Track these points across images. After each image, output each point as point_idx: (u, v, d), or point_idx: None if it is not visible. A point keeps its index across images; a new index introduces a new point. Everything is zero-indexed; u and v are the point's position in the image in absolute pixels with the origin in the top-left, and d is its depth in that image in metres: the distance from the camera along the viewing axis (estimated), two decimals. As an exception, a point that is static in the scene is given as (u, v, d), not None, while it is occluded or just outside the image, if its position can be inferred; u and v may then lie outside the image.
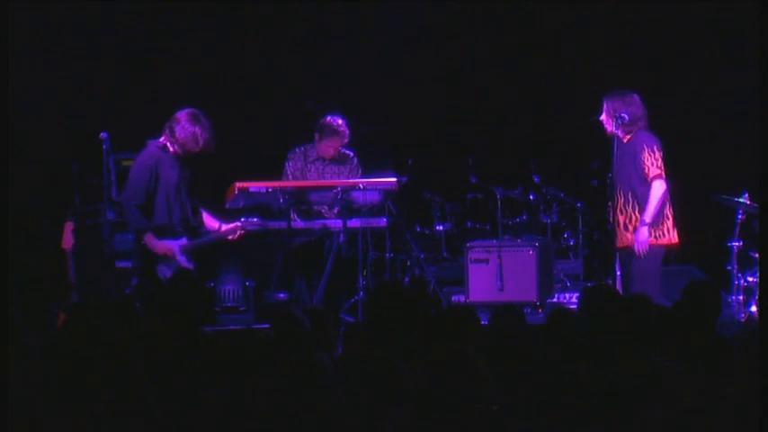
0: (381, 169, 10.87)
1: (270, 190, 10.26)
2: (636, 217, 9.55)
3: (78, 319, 6.65)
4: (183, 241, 9.75)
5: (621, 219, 9.58)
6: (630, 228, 9.54)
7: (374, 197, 10.50)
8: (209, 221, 10.04)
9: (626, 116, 9.55)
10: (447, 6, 13.01)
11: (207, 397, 5.65)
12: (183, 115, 9.75)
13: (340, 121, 10.84)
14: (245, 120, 12.86)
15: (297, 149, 11.00)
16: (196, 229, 9.91)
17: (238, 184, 10.18)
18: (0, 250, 8.79)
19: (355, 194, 10.42)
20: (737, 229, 10.91)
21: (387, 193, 10.53)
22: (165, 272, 9.68)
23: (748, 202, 10.74)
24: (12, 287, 8.63)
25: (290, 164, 10.93)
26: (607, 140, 9.62)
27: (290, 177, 10.85)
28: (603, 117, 9.66)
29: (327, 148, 10.86)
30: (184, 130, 9.69)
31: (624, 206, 9.58)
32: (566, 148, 12.50)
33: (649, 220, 9.47)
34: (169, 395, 5.74)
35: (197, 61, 12.64)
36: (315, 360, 5.56)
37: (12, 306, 7.55)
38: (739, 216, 10.88)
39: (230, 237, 10.03)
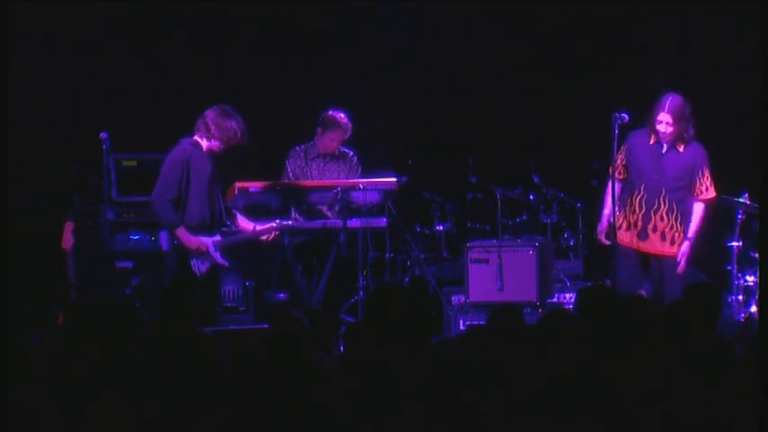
0: (381, 169, 10.87)
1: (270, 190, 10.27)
2: (677, 228, 9.59)
3: (78, 319, 6.66)
4: (217, 238, 9.75)
5: (661, 226, 9.60)
6: (669, 237, 9.58)
7: (374, 197, 10.50)
8: (244, 223, 10.03)
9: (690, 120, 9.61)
10: (447, 6, 13.00)
11: (207, 397, 5.65)
12: (215, 111, 9.77)
13: (342, 115, 10.86)
14: (245, 119, 12.83)
15: (297, 147, 11.00)
16: (228, 227, 9.91)
17: (238, 184, 10.18)
18: (0, 250, 8.79)
19: (355, 194, 10.42)
20: (737, 229, 10.91)
21: (387, 193, 10.53)
22: (200, 267, 9.70)
23: (748, 202, 10.74)
24: (12, 287, 8.62)
25: (291, 161, 10.93)
26: (608, 140, 9.59)
27: (291, 175, 10.85)
28: (673, 121, 9.57)
29: (330, 141, 10.85)
30: (221, 126, 9.71)
31: (668, 214, 9.59)
32: (566, 148, 12.49)
33: (693, 236, 9.61)
34: (169, 395, 5.74)
35: (197, 61, 12.64)
36: (313, 360, 5.56)
37: (12, 306, 7.56)
38: (739, 216, 10.88)
39: (264, 237, 10.02)
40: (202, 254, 9.67)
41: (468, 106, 13.01)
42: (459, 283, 11.67)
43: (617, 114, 9.58)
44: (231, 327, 11.00)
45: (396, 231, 11.67)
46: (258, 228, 9.99)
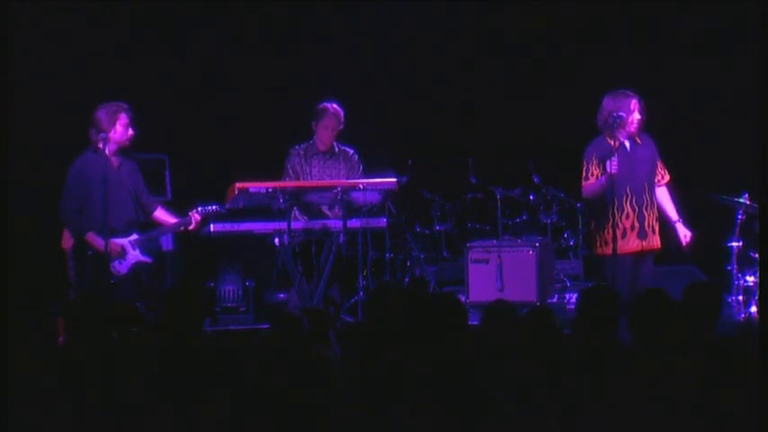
0: (381, 169, 10.87)
1: (270, 190, 10.24)
2: (656, 217, 9.65)
3: (79, 319, 6.66)
4: (134, 236, 9.75)
5: (651, 220, 9.65)
6: (656, 230, 9.66)
7: (374, 197, 10.49)
8: (166, 218, 10.02)
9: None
10: (448, 6, 13.00)
11: (207, 397, 5.66)
12: (103, 110, 9.76)
13: (332, 104, 10.85)
14: (245, 119, 12.85)
15: (297, 147, 10.98)
16: (145, 224, 9.88)
17: (238, 185, 10.17)
18: (0, 250, 8.79)
19: (355, 194, 10.41)
20: (737, 229, 10.91)
21: (387, 193, 10.52)
22: (119, 269, 9.69)
23: (748, 202, 10.74)
24: (12, 287, 8.62)
25: (291, 160, 10.90)
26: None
27: (291, 173, 10.83)
28: (642, 108, 9.65)
29: (324, 129, 10.82)
30: (117, 128, 9.72)
31: (650, 207, 9.65)
32: (566, 148, 12.49)
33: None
34: (168, 395, 5.74)
35: (197, 61, 12.64)
36: (314, 359, 5.55)
37: (12, 306, 7.55)
38: (739, 216, 10.88)
39: (189, 227, 10.01)
40: (119, 255, 9.68)
41: (469, 106, 13.01)
42: (460, 283, 11.67)
43: (615, 114, 9.59)
44: (231, 327, 11.02)
45: (396, 231, 11.66)
46: (176, 220, 9.97)
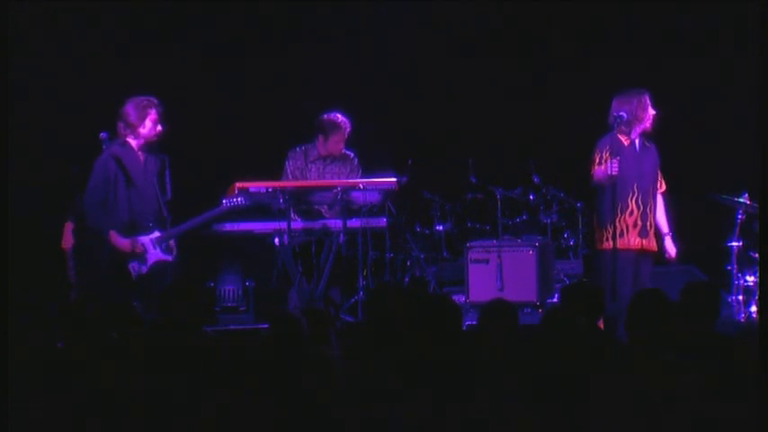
0: (381, 169, 10.87)
1: (270, 190, 10.25)
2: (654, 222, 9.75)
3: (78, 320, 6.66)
4: (156, 234, 9.66)
5: (652, 221, 9.73)
6: (654, 232, 9.73)
7: (374, 197, 10.50)
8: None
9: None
10: (447, 6, 13.00)
11: (207, 397, 5.66)
12: (131, 105, 9.67)
13: (338, 115, 10.84)
14: (245, 119, 12.85)
15: (297, 149, 10.98)
16: (167, 221, 9.79)
17: (238, 184, 10.18)
18: (0, 250, 8.79)
19: (355, 194, 10.41)
20: (737, 229, 10.91)
21: (387, 193, 10.52)
22: (138, 268, 9.61)
23: (748, 202, 10.75)
24: (12, 287, 8.62)
25: (291, 163, 10.91)
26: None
27: (290, 177, 10.83)
28: (654, 112, 9.71)
29: (336, 144, 10.82)
30: (146, 124, 9.64)
31: (655, 210, 9.74)
32: (566, 148, 12.50)
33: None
34: (169, 395, 5.75)
35: (197, 60, 12.64)
36: (314, 359, 5.56)
37: (12, 306, 7.56)
38: (739, 216, 10.89)
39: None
40: (139, 254, 9.58)
41: (469, 106, 13.01)
42: (460, 283, 11.67)
43: (615, 114, 9.60)
44: (231, 327, 11.02)
45: (396, 231, 11.66)
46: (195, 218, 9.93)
